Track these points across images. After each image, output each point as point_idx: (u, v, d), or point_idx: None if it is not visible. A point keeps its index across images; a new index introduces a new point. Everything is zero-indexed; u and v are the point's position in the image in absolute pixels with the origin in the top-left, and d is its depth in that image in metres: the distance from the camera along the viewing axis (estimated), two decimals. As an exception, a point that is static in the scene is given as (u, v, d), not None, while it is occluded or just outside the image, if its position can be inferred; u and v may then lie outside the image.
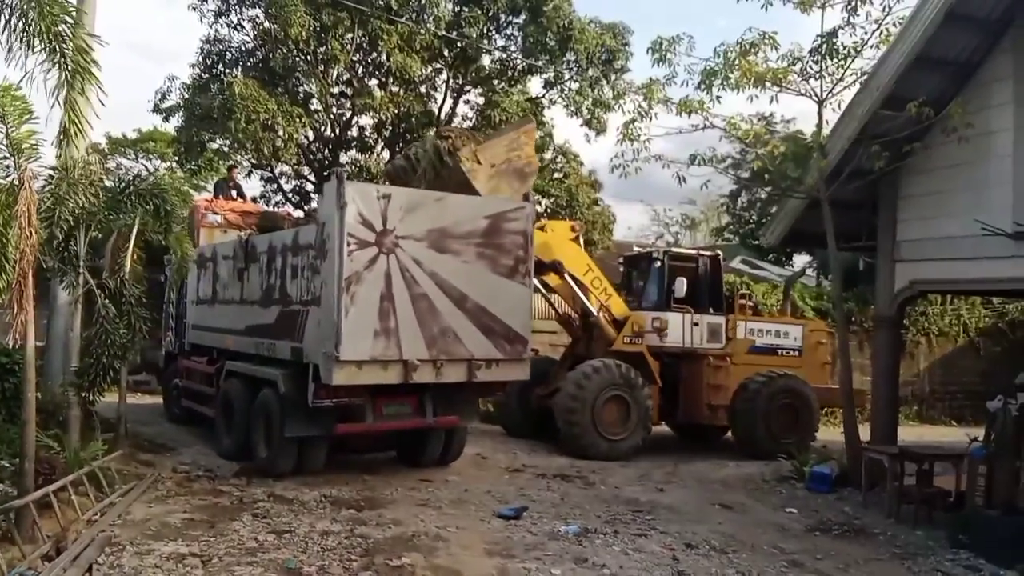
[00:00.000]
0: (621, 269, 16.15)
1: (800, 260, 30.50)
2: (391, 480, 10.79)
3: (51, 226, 8.54)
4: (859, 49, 11.23)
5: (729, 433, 15.06)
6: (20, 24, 6.93)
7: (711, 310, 14.74)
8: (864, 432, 12.23)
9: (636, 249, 16.87)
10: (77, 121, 7.35)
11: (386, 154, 20.33)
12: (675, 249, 16.13)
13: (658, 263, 14.77)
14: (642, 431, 13.65)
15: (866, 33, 11.15)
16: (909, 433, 16.54)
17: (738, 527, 9.40)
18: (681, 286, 14.10)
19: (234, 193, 16.46)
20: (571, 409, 13.11)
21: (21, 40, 6.92)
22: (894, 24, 10.89)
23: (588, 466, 12.58)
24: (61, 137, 7.40)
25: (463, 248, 10.36)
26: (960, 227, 10.44)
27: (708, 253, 15.70)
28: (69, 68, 7.10)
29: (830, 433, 16.15)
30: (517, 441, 14.62)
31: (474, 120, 20.52)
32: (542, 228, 13.87)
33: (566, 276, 13.91)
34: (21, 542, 6.73)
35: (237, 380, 11.72)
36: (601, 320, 14.13)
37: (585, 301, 14.12)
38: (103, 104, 7.45)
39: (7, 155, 7.40)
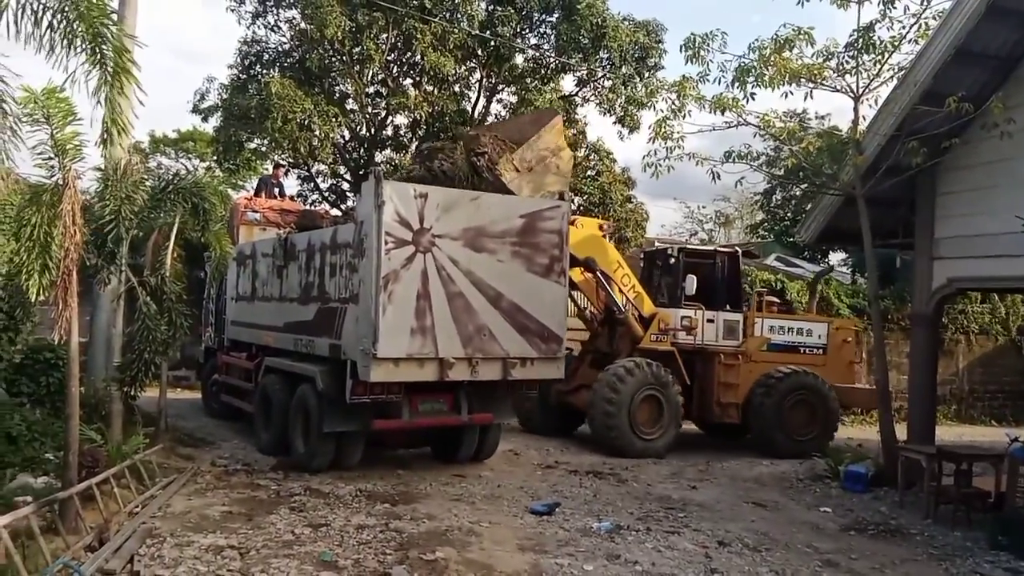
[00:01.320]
0: (642, 265, 16.00)
1: (836, 257, 30.14)
2: (425, 475, 10.89)
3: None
4: (896, 44, 11.12)
5: None
6: (62, 25, 7.09)
7: (728, 307, 14.58)
8: (901, 431, 12.09)
9: (656, 245, 16.72)
10: (119, 121, 7.50)
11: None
12: (691, 246, 15.88)
13: (672, 260, 14.66)
14: (675, 429, 13.64)
15: (904, 27, 11.04)
16: (947, 433, 16.33)
17: (771, 525, 9.37)
18: (691, 283, 13.92)
19: (276, 192, 16.62)
20: (608, 410, 13.06)
21: (63, 41, 7.08)
22: (933, 17, 10.76)
23: (620, 463, 12.58)
24: (105, 137, 7.56)
25: (499, 247, 10.42)
26: (1001, 224, 10.25)
27: (726, 250, 15.51)
28: (110, 68, 7.24)
29: (866, 432, 16.00)
30: (549, 438, 14.63)
31: (507, 118, 20.59)
32: (573, 223, 13.85)
33: (598, 272, 13.88)
34: (65, 533, 6.90)
35: (276, 376, 11.87)
36: (630, 317, 14.06)
37: (615, 298, 14.08)
38: (143, 104, 7.60)
39: (52, 155, 7.57)
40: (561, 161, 11.78)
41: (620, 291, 14.00)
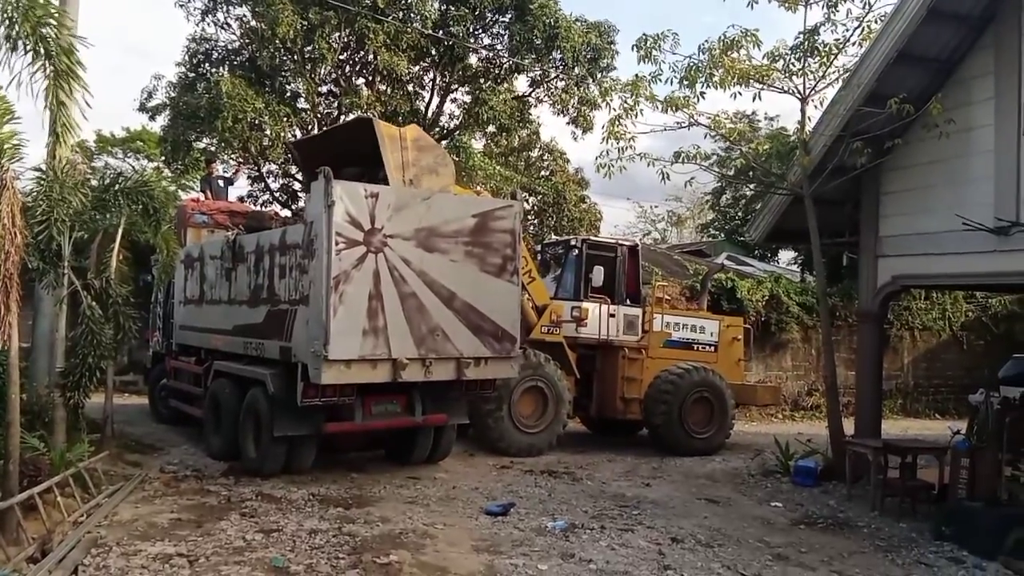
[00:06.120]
0: (538, 257, 15.87)
1: (786, 256, 30.72)
2: (379, 478, 10.81)
3: (47, 228, 8.49)
4: (841, 46, 11.34)
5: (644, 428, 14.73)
6: (2, 28, 6.93)
7: (628, 302, 14.43)
8: (849, 426, 12.34)
9: (553, 237, 16.49)
10: (67, 122, 7.35)
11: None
12: (593, 237, 15.58)
13: (576, 251, 14.32)
14: (560, 424, 13.39)
15: (847, 30, 11.27)
16: (893, 427, 16.69)
17: (724, 521, 9.48)
18: (599, 275, 13.73)
19: (223, 183, 16.24)
20: (488, 408, 12.66)
21: (6, 43, 6.92)
22: (876, 21, 11.00)
23: (575, 461, 12.64)
24: (53, 139, 7.41)
25: (451, 247, 10.38)
26: (942, 223, 10.53)
27: (627, 243, 15.36)
28: (55, 70, 7.10)
29: (815, 427, 16.28)
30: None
31: (461, 118, 20.58)
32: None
33: None
34: (5, 544, 6.70)
35: (225, 380, 11.68)
36: (525, 304, 13.41)
37: None
38: (90, 106, 7.47)
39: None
40: (426, 147, 11.27)
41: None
